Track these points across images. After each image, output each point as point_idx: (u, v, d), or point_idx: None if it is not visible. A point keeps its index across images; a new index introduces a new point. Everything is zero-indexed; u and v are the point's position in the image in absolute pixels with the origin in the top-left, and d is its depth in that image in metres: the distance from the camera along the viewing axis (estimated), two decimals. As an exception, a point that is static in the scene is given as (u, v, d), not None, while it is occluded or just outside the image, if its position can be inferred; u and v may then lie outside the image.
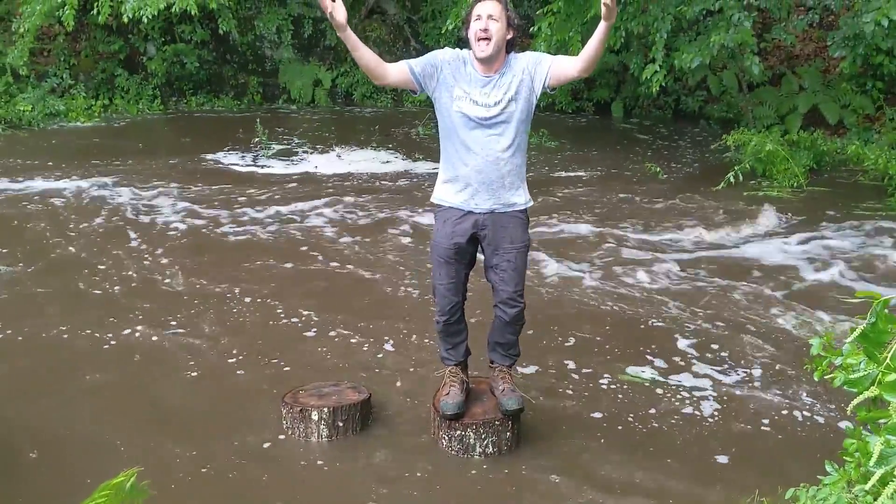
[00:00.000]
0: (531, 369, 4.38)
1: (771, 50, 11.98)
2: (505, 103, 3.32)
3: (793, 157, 8.57)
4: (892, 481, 1.43)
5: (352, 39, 3.27)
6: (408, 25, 14.35)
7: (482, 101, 3.33)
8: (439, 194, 3.52)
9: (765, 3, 9.34)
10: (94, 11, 11.62)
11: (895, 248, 6.48)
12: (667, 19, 8.76)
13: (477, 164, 3.36)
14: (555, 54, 9.18)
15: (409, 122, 12.44)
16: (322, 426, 3.65)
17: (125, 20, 11.55)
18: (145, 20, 11.61)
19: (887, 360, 1.50)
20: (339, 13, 3.18)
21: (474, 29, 3.28)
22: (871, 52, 9.51)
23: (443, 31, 10.84)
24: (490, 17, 3.26)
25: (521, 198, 3.44)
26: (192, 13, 11.72)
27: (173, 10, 11.58)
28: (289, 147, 10.71)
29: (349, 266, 6.14)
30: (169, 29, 13.81)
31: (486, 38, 3.25)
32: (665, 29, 8.68)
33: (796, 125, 10.34)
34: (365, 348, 4.68)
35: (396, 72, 3.42)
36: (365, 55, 3.33)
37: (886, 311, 1.69)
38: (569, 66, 3.31)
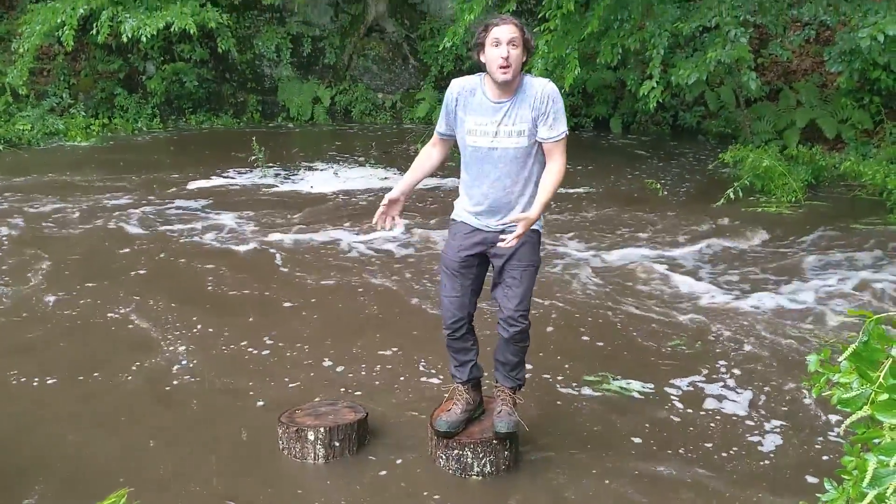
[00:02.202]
0: (528, 385, 4.36)
1: (768, 65, 12.02)
2: (516, 136, 3.27)
3: (791, 172, 8.57)
4: (887, 502, 1.42)
5: (409, 184, 3.56)
6: (406, 43, 14.42)
7: (493, 131, 3.29)
8: (455, 210, 3.56)
9: (761, 19, 9.37)
10: (94, 31, 11.70)
11: (892, 264, 6.47)
12: (663, 36, 8.79)
13: (487, 193, 3.36)
14: (552, 71, 9.28)
15: (408, 139, 12.47)
16: (318, 446, 3.63)
17: (124, 40, 11.63)
18: (144, 40, 11.68)
19: (880, 380, 1.48)
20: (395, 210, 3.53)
21: (494, 55, 3.19)
22: (867, 67, 9.54)
23: (440, 49, 10.89)
24: (511, 42, 3.18)
25: None
26: (192, 32, 11.79)
27: (172, 29, 11.66)
28: (286, 164, 10.72)
29: (347, 282, 6.13)
30: (168, 48, 13.88)
31: (506, 66, 3.20)
32: (662, 45, 8.71)
33: (794, 140, 10.36)
34: (363, 367, 4.66)
35: (441, 147, 3.57)
36: (425, 173, 3.58)
37: (885, 327, 1.68)
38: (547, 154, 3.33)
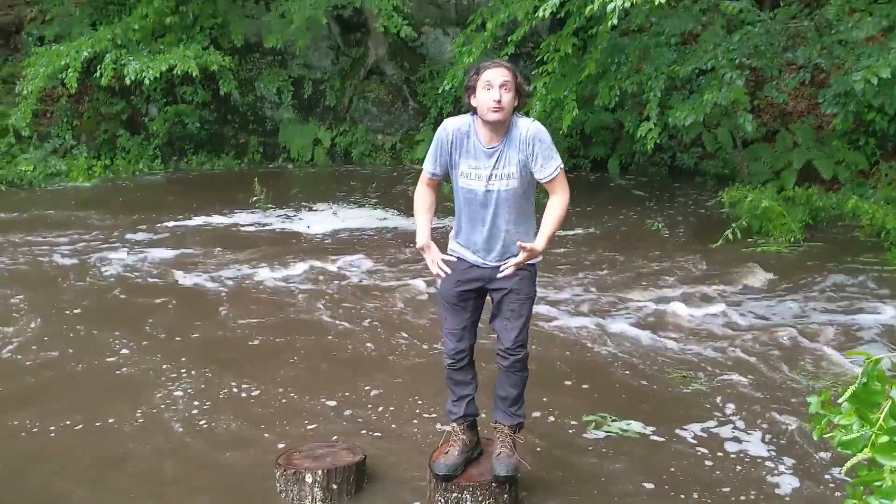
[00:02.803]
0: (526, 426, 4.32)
1: (764, 107, 12.12)
2: (506, 178, 3.32)
3: (789, 212, 8.60)
4: (890, 546, 1.40)
5: (429, 227, 3.51)
6: (406, 85, 14.56)
7: (487, 175, 3.32)
8: (451, 246, 3.57)
9: (756, 62, 9.48)
10: (98, 74, 11.82)
11: (893, 304, 6.46)
12: (660, 78, 8.89)
13: (482, 234, 3.41)
14: (550, 112, 9.36)
15: (408, 180, 12.53)
16: (316, 489, 3.59)
17: (128, 82, 11.75)
18: (147, 82, 11.81)
19: (880, 422, 1.48)
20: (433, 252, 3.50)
21: (486, 98, 3.23)
22: (862, 109, 9.62)
23: (440, 91, 10.99)
24: (503, 86, 3.22)
25: None
26: (194, 75, 11.92)
27: (175, 72, 11.79)
28: (287, 205, 10.76)
29: (340, 324, 6.11)
30: (170, 90, 14.02)
31: (497, 109, 3.23)
32: (658, 88, 8.80)
33: (791, 181, 10.40)
34: (360, 409, 4.63)
35: (434, 187, 3.57)
36: (433, 212, 3.58)
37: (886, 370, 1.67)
38: (548, 190, 3.39)
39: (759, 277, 7.27)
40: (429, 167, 3.49)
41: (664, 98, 9.09)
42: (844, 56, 8.39)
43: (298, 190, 12.04)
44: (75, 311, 6.38)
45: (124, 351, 5.51)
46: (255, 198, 10.55)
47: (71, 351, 5.51)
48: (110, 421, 4.45)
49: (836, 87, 8.86)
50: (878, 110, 9.71)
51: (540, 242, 3.31)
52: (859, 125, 10.38)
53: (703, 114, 8.53)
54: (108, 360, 5.36)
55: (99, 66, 11.83)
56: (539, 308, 6.32)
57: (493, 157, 3.32)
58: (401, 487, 3.76)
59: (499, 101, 3.21)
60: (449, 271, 3.46)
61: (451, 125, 3.41)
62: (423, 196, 3.55)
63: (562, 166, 3.35)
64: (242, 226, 9.66)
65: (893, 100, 8.26)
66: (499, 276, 3.35)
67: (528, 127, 3.31)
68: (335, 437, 4.20)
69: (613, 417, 4.47)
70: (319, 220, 9.89)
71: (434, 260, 3.48)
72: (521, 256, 3.28)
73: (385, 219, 9.95)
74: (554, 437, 4.27)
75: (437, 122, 13.45)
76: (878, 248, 7.97)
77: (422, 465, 3.77)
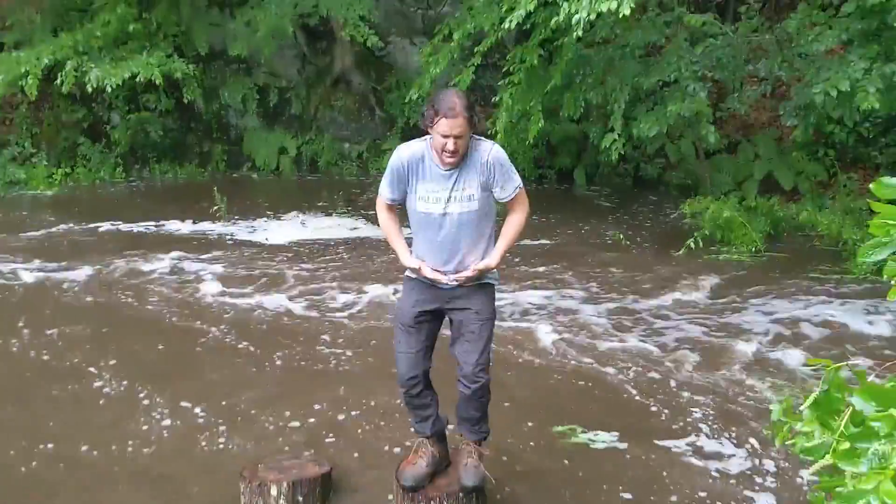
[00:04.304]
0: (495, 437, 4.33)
1: (726, 119, 12.30)
2: (467, 201, 3.31)
3: (750, 222, 8.73)
4: (852, 552, 1.42)
5: (406, 246, 3.48)
6: (372, 95, 14.56)
7: (445, 198, 3.31)
8: (408, 270, 3.54)
9: (719, 74, 9.63)
10: (59, 81, 11.64)
11: (852, 313, 6.58)
12: (624, 90, 8.99)
13: (441, 257, 3.39)
14: (516, 123, 9.37)
15: (374, 189, 12.50)
16: (282, 501, 3.55)
17: (89, 90, 11.59)
18: (109, 89, 11.66)
19: (841, 429, 1.50)
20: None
21: (440, 143, 3.21)
22: (822, 122, 9.81)
23: (406, 101, 11.00)
24: (458, 136, 3.19)
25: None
26: (157, 83, 11.80)
27: (138, 79, 11.65)
28: (250, 215, 10.67)
29: (305, 334, 6.08)
30: (133, 98, 13.85)
31: (452, 156, 3.23)
32: (623, 99, 8.90)
33: (753, 191, 10.57)
34: (325, 421, 4.59)
35: (394, 211, 3.52)
36: (402, 233, 3.53)
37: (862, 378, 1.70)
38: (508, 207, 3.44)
39: (718, 286, 7.36)
40: (387, 194, 3.45)
41: (628, 109, 9.19)
42: (805, 69, 8.54)
43: (264, 199, 11.95)
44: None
45: (82, 369, 5.41)
46: (216, 207, 10.44)
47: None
48: (73, 452, 4.37)
49: (796, 100, 9.03)
50: (837, 122, 9.92)
51: (494, 257, 3.35)
52: (819, 137, 10.58)
53: (667, 125, 8.64)
54: (66, 379, 5.27)
55: (60, 74, 11.66)
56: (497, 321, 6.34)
57: (451, 178, 3.30)
58: (367, 499, 3.74)
59: (453, 152, 3.22)
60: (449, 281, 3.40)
61: (406, 153, 3.37)
62: (389, 220, 3.52)
63: (521, 185, 3.38)
64: (192, 235, 9.56)
65: (852, 112, 8.43)
66: (450, 280, 3.35)
67: (488, 151, 3.31)
68: (301, 448, 4.16)
69: (582, 429, 4.49)
70: (284, 230, 9.82)
71: (434, 271, 3.39)
72: (469, 272, 3.33)
73: (356, 228, 9.90)
74: (521, 449, 4.27)
75: (405, 132, 13.59)
76: (837, 257, 8.12)
77: (389, 475, 3.75)
